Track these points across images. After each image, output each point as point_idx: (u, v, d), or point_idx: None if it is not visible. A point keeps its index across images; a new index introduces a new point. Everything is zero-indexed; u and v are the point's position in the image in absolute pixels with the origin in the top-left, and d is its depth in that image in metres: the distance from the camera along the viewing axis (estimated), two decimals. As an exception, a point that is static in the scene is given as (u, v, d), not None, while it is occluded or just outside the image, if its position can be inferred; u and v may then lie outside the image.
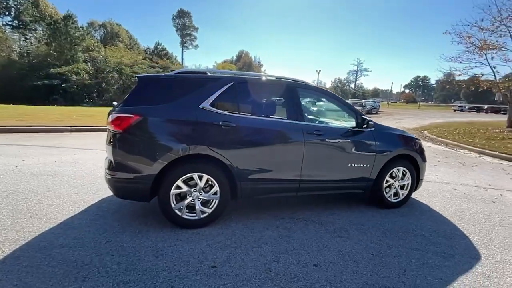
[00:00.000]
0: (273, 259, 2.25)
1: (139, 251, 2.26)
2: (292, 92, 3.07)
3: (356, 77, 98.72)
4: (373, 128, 3.28)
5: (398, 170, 3.45)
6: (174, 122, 2.61)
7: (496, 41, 11.95)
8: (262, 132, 2.85)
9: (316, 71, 69.08)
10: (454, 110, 50.07)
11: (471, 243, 2.69)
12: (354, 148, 3.20)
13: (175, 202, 2.57)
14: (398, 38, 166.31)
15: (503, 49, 12.01)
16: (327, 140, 3.06)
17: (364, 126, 3.22)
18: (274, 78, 3.22)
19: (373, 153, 3.27)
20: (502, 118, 22.18)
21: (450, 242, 2.68)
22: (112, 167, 2.55)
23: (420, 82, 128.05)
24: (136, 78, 2.78)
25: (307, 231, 2.74)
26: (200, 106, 2.64)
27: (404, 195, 3.53)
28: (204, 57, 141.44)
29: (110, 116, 2.60)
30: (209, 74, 2.95)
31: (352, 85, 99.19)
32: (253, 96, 2.95)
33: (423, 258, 2.37)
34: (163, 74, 3.03)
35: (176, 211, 2.57)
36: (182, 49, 72.56)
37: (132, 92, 2.70)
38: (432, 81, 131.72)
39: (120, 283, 1.85)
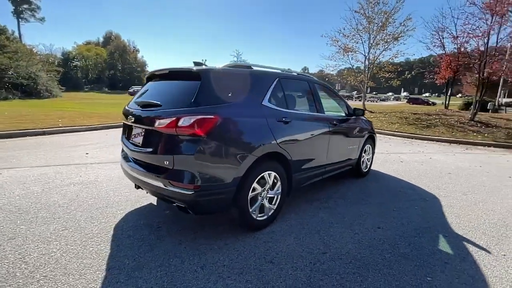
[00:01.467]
0: (349, 227, 2.75)
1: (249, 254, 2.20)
2: (314, 87, 3.49)
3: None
4: (357, 116, 4.15)
5: (368, 147, 4.56)
6: (248, 121, 2.48)
7: (354, 46, 16.19)
8: (307, 125, 3.15)
9: (202, 60, 68.72)
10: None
11: (430, 190, 4.07)
12: (352, 133, 4.00)
13: (250, 205, 2.49)
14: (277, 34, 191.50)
15: (357, 52, 16.47)
16: (340, 128, 3.68)
17: (352, 114, 4.03)
18: (297, 74, 3.50)
19: (359, 136, 4.18)
20: (354, 103, 30.15)
21: (417, 191, 3.97)
22: (195, 180, 2.14)
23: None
24: (195, 72, 2.37)
25: (342, 205, 3.33)
26: (262, 103, 2.61)
27: (369, 166, 4.71)
28: (55, 35, 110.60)
29: (182, 119, 2.12)
30: (255, 69, 2.88)
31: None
32: (292, 92, 3.15)
33: (413, 203, 3.49)
34: (225, 68, 2.68)
35: (252, 214, 2.52)
36: (18, 21, 54.17)
37: (200, 90, 2.29)
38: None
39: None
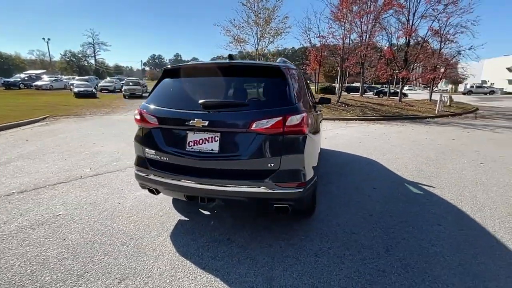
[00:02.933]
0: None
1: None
2: (304, 77, 3.56)
3: (94, 51, 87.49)
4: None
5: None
6: (311, 116, 2.64)
7: (246, 37, 17.52)
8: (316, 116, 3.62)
9: (44, 39, 53.12)
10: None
11: (365, 155, 5.59)
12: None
13: None
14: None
15: (248, 43, 17.95)
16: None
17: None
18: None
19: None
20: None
21: (357, 157, 5.42)
22: (303, 177, 2.21)
23: (156, 61, 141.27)
24: (275, 68, 2.34)
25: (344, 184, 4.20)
26: (305, 97, 2.77)
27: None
28: None
29: (290, 118, 2.14)
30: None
31: (92, 61, 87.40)
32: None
33: (364, 165, 4.83)
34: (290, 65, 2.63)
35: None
36: None
37: (288, 87, 2.29)
38: (166, 60, 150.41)
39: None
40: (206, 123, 2.21)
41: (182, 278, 2.00)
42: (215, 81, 2.52)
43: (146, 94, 22.39)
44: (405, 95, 30.70)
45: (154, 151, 2.45)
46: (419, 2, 15.21)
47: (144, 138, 2.53)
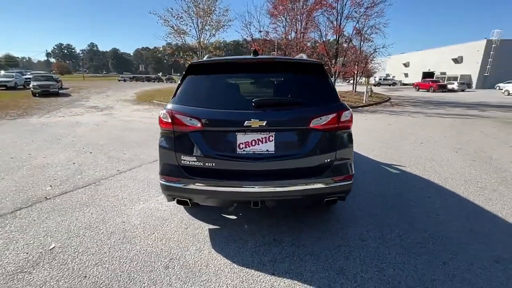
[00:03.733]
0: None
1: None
2: None
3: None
4: None
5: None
6: None
7: (187, 29, 16.49)
8: None
9: None
10: (119, 80, 56.04)
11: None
12: None
13: None
14: None
15: (187, 35, 16.97)
16: None
17: None
18: None
19: None
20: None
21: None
22: (351, 169, 2.30)
23: (65, 51, 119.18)
24: (318, 64, 2.32)
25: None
26: None
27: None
28: None
29: (343, 114, 2.20)
30: None
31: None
32: None
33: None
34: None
35: None
36: None
37: (328, 83, 2.32)
38: (78, 50, 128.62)
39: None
40: (264, 123, 2.08)
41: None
42: (256, 78, 2.38)
43: (63, 91, 18.80)
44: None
45: (195, 157, 2.17)
46: (344, 4, 17.20)
47: (179, 144, 2.21)
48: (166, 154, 2.27)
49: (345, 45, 18.50)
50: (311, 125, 2.15)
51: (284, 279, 1.97)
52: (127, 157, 4.98)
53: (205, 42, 16.96)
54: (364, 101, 15.97)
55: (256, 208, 2.21)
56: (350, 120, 2.27)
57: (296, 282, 1.94)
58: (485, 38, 36.34)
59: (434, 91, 28.61)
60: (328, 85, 2.34)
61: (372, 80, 44.93)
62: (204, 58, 2.74)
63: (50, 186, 3.63)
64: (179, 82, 2.41)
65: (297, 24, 17.31)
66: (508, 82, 27.23)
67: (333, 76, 19.33)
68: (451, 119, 10.28)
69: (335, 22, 17.46)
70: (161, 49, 21.28)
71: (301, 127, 2.18)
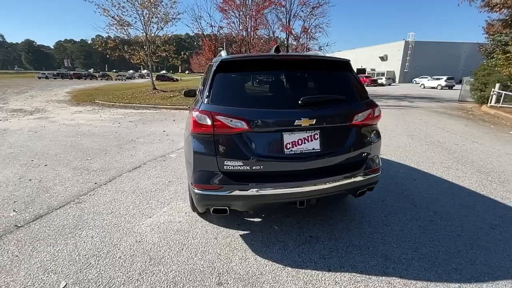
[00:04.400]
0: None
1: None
2: None
3: None
4: None
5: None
6: None
7: (132, 21, 14.92)
8: None
9: None
10: (39, 78, 47.85)
11: None
12: None
13: None
14: None
15: (132, 27, 15.42)
16: None
17: None
18: None
19: None
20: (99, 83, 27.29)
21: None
22: (379, 161, 2.42)
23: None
24: (346, 62, 2.33)
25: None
26: None
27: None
28: None
29: (375, 109, 2.33)
30: None
31: None
32: None
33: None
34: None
35: None
36: None
37: (356, 80, 2.40)
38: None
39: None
40: (314, 121, 2.04)
41: (327, 286, 1.88)
42: (289, 75, 2.30)
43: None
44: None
45: (241, 161, 2.00)
46: (293, 3, 17.95)
47: (221, 148, 2.01)
48: (203, 160, 2.04)
49: (294, 43, 19.38)
50: (353, 121, 2.21)
51: (344, 273, 2.00)
52: (98, 167, 4.33)
53: (152, 35, 15.67)
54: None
55: (301, 207, 2.18)
56: (379, 115, 2.41)
57: (355, 274, 1.99)
58: (403, 39, 42.59)
59: (367, 85, 32.38)
60: (358, 82, 2.42)
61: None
62: (223, 54, 2.54)
63: (14, 211, 2.92)
64: (203, 80, 2.19)
65: (247, 21, 17.36)
66: (422, 77, 32.57)
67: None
68: (391, 109, 11.77)
69: (284, 20, 18.13)
70: (96, 41, 18.92)
71: (345, 123, 2.22)
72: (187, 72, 62.47)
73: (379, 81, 33.84)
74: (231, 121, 1.96)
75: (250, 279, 1.94)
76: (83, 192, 3.40)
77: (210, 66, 2.38)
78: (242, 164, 2.01)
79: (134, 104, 12.80)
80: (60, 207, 3.01)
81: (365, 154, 2.33)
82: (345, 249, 2.27)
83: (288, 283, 1.91)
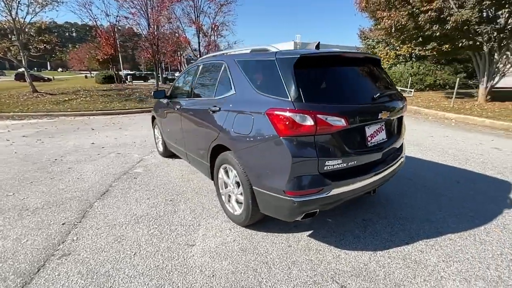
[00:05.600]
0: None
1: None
2: None
3: None
4: None
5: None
6: None
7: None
8: None
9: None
10: None
11: None
12: None
13: None
14: None
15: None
16: None
17: None
18: None
19: None
20: None
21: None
22: (404, 148, 2.75)
23: None
24: (378, 59, 2.58)
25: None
26: None
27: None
28: None
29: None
30: None
31: None
32: None
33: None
34: None
35: None
36: None
37: (386, 74, 2.65)
38: None
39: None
40: (389, 114, 2.23)
41: (396, 263, 2.09)
42: (352, 71, 2.33)
43: None
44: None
45: (340, 159, 1.94)
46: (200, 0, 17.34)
47: (322, 148, 1.88)
48: (302, 164, 1.85)
49: (205, 39, 18.88)
50: (402, 111, 2.52)
51: (419, 245, 2.28)
52: (41, 203, 3.09)
53: (22, 21, 11.86)
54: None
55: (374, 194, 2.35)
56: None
57: (431, 244, 2.28)
58: (292, 40, 48.60)
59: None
60: (387, 76, 2.71)
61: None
62: (272, 49, 2.30)
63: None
64: (283, 76, 1.94)
65: (151, 13, 15.69)
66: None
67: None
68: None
69: (193, 15, 17.36)
70: None
71: (401, 114, 2.52)
72: (60, 69, 50.25)
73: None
74: (333, 118, 1.86)
75: (363, 273, 1.94)
76: (53, 243, 2.38)
77: (269, 62, 2.14)
78: (340, 162, 1.95)
79: (13, 113, 9.47)
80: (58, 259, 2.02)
81: (402, 139, 2.69)
82: (409, 228, 2.50)
83: (394, 263, 2.03)
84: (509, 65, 9.11)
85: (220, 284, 1.85)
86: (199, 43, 18.05)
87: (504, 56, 9.02)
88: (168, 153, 4.64)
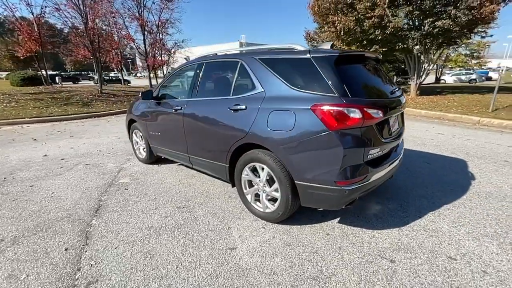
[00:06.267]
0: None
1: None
2: None
3: None
4: None
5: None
6: None
7: None
8: None
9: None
10: None
11: None
12: None
13: None
14: None
15: None
16: None
17: None
18: None
19: None
20: None
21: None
22: None
23: None
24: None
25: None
26: None
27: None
28: None
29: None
30: None
31: None
32: None
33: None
34: None
35: None
36: None
37: None
38: None
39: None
40: (401, 106, 2.54)
41: (421, 234, 2.45)
42: (373, 68, 2.55)
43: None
44: (129, 81, 31.34)
45: (378, 147, 2.16)
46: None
47: (366, 139, 2.05)
48: (352, 154, 1.98)
49: (151, 36, 17.52)
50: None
51: (428, 217, 2.65)
52: (12, 233, 2.55)
53: None
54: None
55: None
56: None
57: (437, 215, 2.67)
58: (238, 40, 48.88)
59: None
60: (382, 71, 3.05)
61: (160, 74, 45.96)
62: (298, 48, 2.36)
63: None
64: (325, 73, 2.03)
65: (87, 5, 13.93)
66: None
67: (148, 70, 18.08)
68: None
69: (135, 11, 15.95)
70: None
71: (404, 108, 2.81)
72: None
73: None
74: (373, 111, 2.03)
75: (401, 247, 2.17)
76: (66, 272, 2.01)
77: (304, 60, 2.22)
78: (379, 150, 2.16)
79: None
80: None
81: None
82: (434, 209, 2.90)
83: (420, 234, 2.32)
84: (432, 65, 11.05)
85: (285, 279, 1.86)
86: (144, 40, 16.74)
87: (428, 57, 10.94)
88: (153, 159, 4.28)
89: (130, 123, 4.47)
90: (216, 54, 3.19)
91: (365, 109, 1.99)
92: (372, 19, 8.78)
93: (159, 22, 17.23)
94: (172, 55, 21.10)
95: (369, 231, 2.41)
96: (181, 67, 3.62)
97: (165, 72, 22.42)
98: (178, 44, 20.27)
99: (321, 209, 2.68)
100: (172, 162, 4.41)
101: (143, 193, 3.30)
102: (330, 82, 2.03)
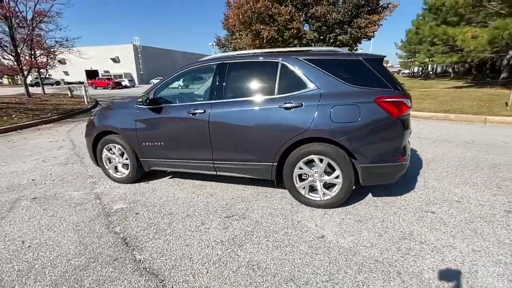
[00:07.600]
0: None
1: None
2: None
3: None
4: None
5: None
6: None
7: None
8: None
9: None
10: None
11: None
12: None
13: None
14: None
15: None
16: None
17: None
18: None
19: None
20: None
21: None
22: None
23: None
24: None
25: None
26: None
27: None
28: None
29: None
30: None
31: None
32: None
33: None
34: None
35: None
36: None
37: None
38: None
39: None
40: None
41: (441, 203, 3.30)
42: None
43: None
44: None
45: (409, 130, 2.70)
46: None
47: (408, 123, 2.58)
48: (406, 135, 2.51)
49: (25, 30, 13.39)
50: None
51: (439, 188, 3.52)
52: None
53: None
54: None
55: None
56: None
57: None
58: (131, 42, 43.67)
59: (112, 88, 30.49)
60: None
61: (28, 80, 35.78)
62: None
63: None
64: (379, 72, 2.45)
65: None
66: (157, 78, 36.59)
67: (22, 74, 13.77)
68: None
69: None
70: None
71: None
72: None
73: (123, 83, 33.16)
74: (408, 101, 2.58)
75: (433, 205, 2.85)
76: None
77: (355, 61, 2.59)
78: (410, 132, 2.76)
79: None
80: None
81: None
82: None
83: (439, 201, 3.09)
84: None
85: (387, 245, 2.16)
86: (11, 36, 12.75)
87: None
88: (139, 176, 3.63)
89: (98, 137, 3.60)
90: (238, 54, 3.12)
91: (404, 100, 2.56)
92: (292, 30, 10.16)
93: (34, 14, 13.61)
94: (51, 56, 17.04)
95: (399, 198, 3.01)
96: (184, 69, 3.27)
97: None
98: (61, 43, 16.57)
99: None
100: (161, 176, 3.86)
101: (167, 213, 2.81)
102: (385, 79, 2.48)
